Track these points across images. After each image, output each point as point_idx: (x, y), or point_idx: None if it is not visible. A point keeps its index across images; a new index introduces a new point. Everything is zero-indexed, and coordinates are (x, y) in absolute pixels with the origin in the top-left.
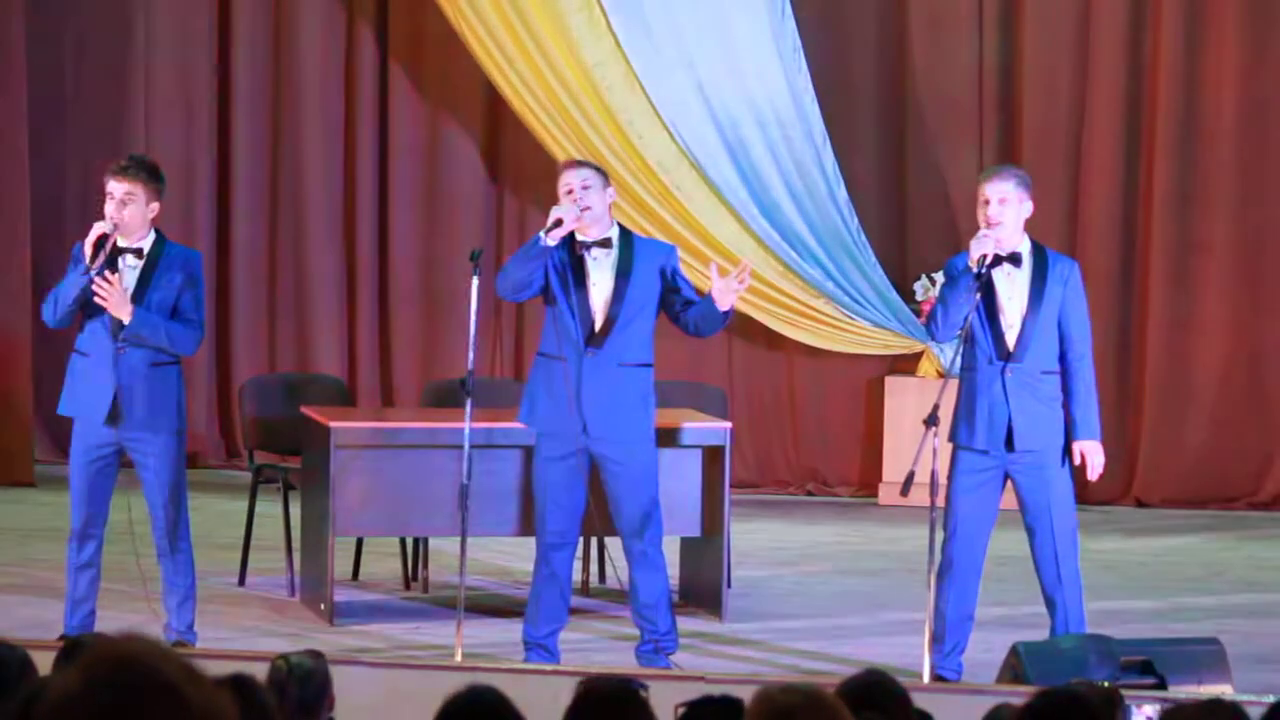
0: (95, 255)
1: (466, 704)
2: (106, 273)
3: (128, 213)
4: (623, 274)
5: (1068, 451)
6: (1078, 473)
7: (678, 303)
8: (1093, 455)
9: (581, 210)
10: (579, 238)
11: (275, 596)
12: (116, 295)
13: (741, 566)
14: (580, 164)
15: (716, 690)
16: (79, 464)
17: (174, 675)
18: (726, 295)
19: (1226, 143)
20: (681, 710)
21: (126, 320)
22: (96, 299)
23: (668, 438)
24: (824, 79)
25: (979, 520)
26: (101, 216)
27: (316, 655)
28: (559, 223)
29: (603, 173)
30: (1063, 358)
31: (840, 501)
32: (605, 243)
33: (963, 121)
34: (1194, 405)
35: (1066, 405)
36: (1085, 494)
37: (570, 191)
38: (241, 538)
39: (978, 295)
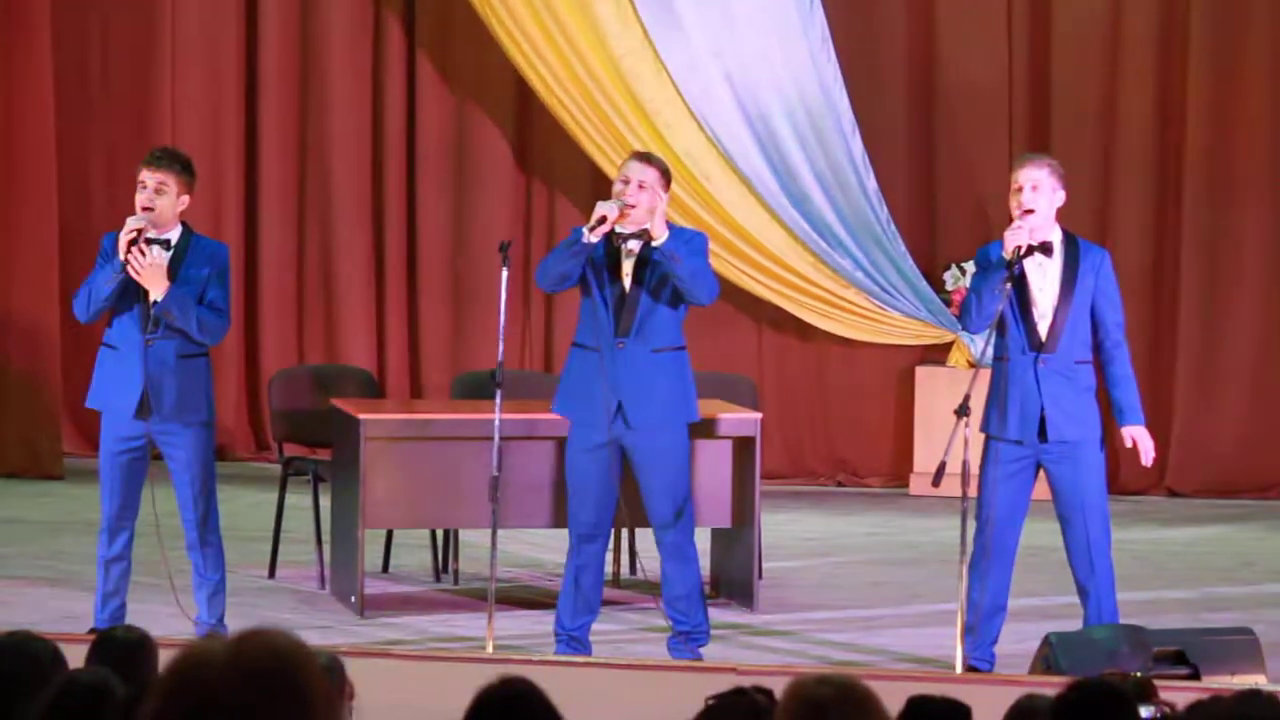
0: (129, 251)
1: (500, 696)
2: (141, 247)
3: (160, 203)
4: (643, 260)
5: (1104, 440)
6: (1128, 456)
7: None
8: (1143, 439)
9: (626, 207)
10: (617, 229)
11: (305, 589)
12: (150, 269)
13: (772, 557)
14: (650, 161)
15: (747, 682)
16: (109, 457)
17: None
18: (657, 228)
19: (1258, 132)
20: (711, 702)
21: (160, 296)
22: (130, 270)
23: (698, 428)
24: (853, 68)
25: (1011, 510)
26: (131, 208)
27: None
28: (603, 220)
29: (668, 176)
30: (1100, 346)
31: (871, 492)
32: (642, 234)
33: (992, 111)
34: (1226, 395)
35: (1109, 392)
36: (1117, 484)
37: (627, 182)
38: (271, 530)
39: (1009, 286)
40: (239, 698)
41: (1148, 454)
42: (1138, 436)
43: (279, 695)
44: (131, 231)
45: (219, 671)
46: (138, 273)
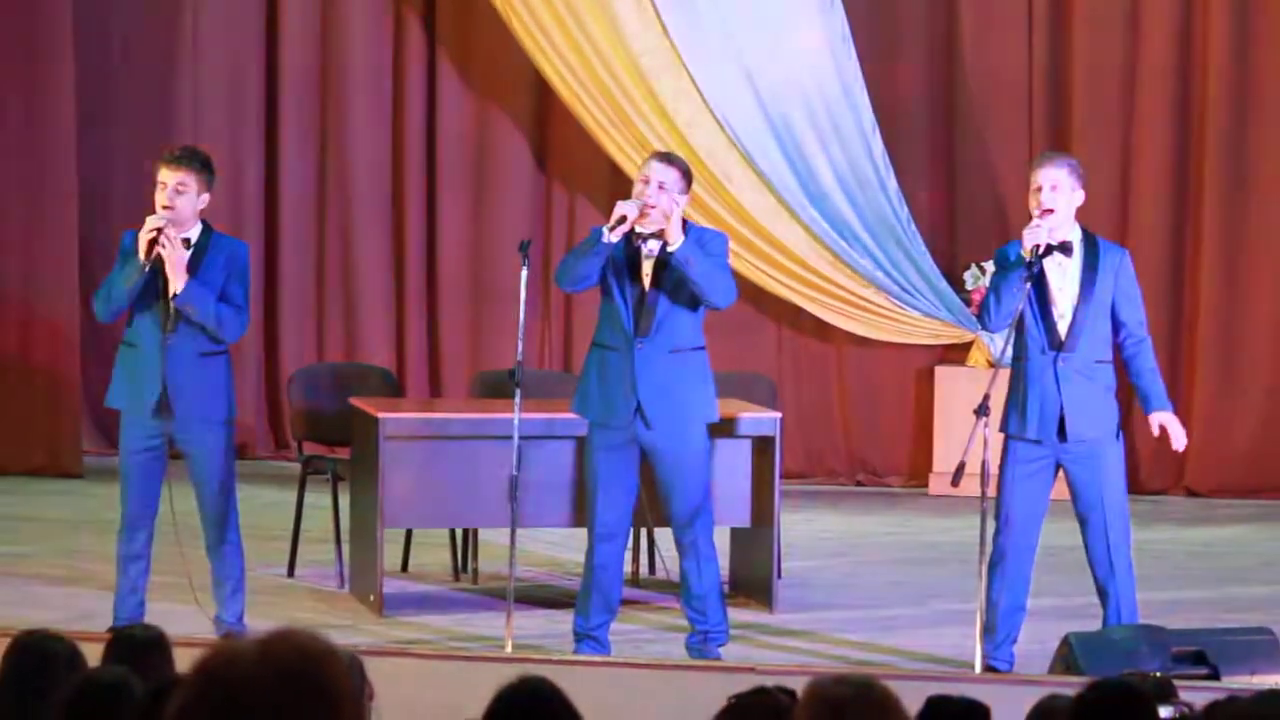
0: (150, 251)
1: (519, 695)
2: (169, 229)
3: (180, 203)
4: (662, 261)
5: (1124, 437)
6: (1148, 456)
7: None
8: (1172, 424)
9: (645, 206)
10: (636, 229)
11: (324, 588)
12: (178, 254)
13: (791, 557)
14: (671, 162)
15: (767, 681)
16: (128, 455)
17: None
18: (672, 234)
19: (1277, 130)
20: (733, 700)
21: (180, 286)
22: (160, 249)
23: (717, 428)
24: (873, 67)
25: (1031, 510)
26: (152, 207)
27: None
28: (623, 219)
29: (688, 177)
30: (1122, 345)
31: (890, 492)
32: (661, 234)
33: (1012, 110)
34: (1246, 395)
35: (1134, 385)
36: (1137, 484)
37: (648, 181)
38: (290, 529)
39: (1029, 285)
40: (267, 697)
41: (1179, 438)
42: (1166, 422)
43: (306, 695)
44: (152, 231)
45: (247, 671)
46: (164, 244)
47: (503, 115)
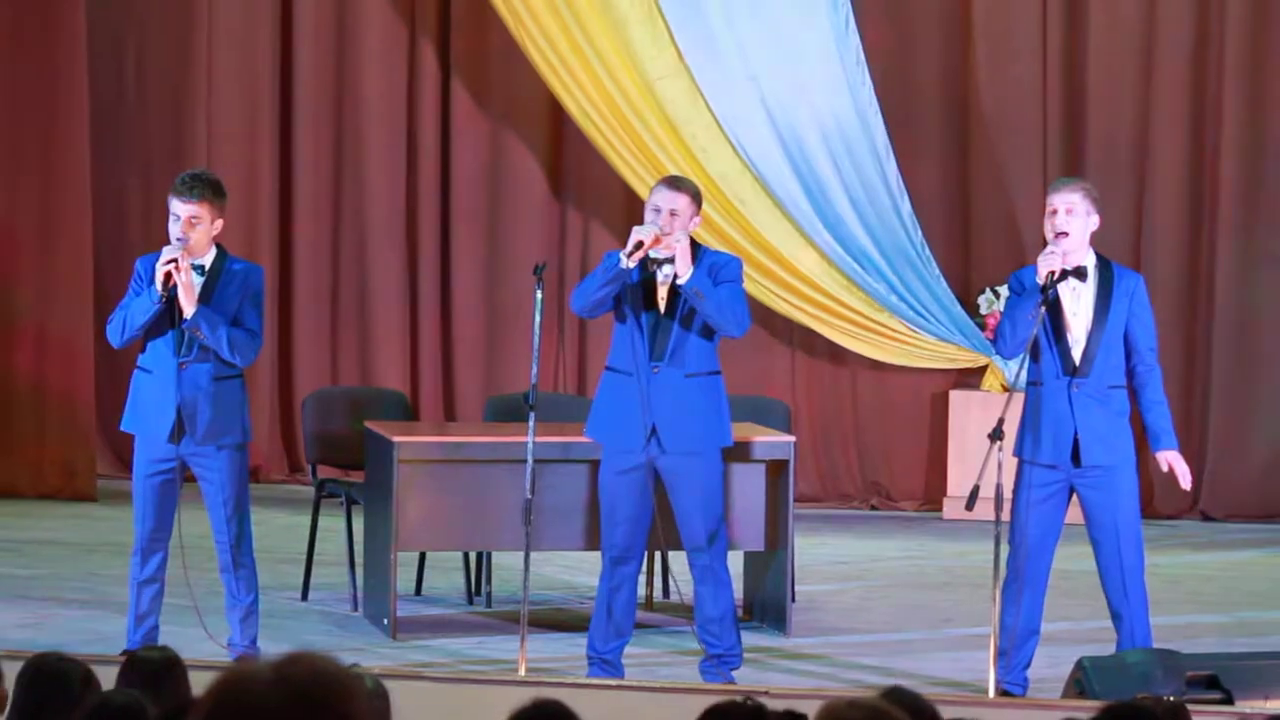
0: (167, 281)
1: (532, 718)
2: (182, 257)
3: (194, 235)
4: (677, 286)
5: (1137, 464)
6: (1161, 481)
7: None
8: (1179, 464)
9: (661, 233)
10: (651, 254)
11: (338, 611)
12: (189, 279)
13: (805, 581)
14: (680, 187)
15: (780, 705)
16: (142, 479)
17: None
18: (680, 266)
19: None
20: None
21: (190, 311)
22: (176, 280)
23: (732, 452)
24: (887, 91)
25: (1044, 534)
26: (165, 237)
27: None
28: (640, 245)
29: (698, 200)
30: (1132, 371)
31: (904, 516)
32: (674, 259)
33: (1027, 135)
34: (1260, 419)
35: (1143, 417)
36: (1150, 508)
37: (659, 210)
38: (304, 552)
39: (1043, 311)
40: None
41: (1185, 477)
42: (1174, 461)
43: (321, 718)
44: (169, 263)
45: (263, 694)
46: (178, 272)
47: (517, 140)
